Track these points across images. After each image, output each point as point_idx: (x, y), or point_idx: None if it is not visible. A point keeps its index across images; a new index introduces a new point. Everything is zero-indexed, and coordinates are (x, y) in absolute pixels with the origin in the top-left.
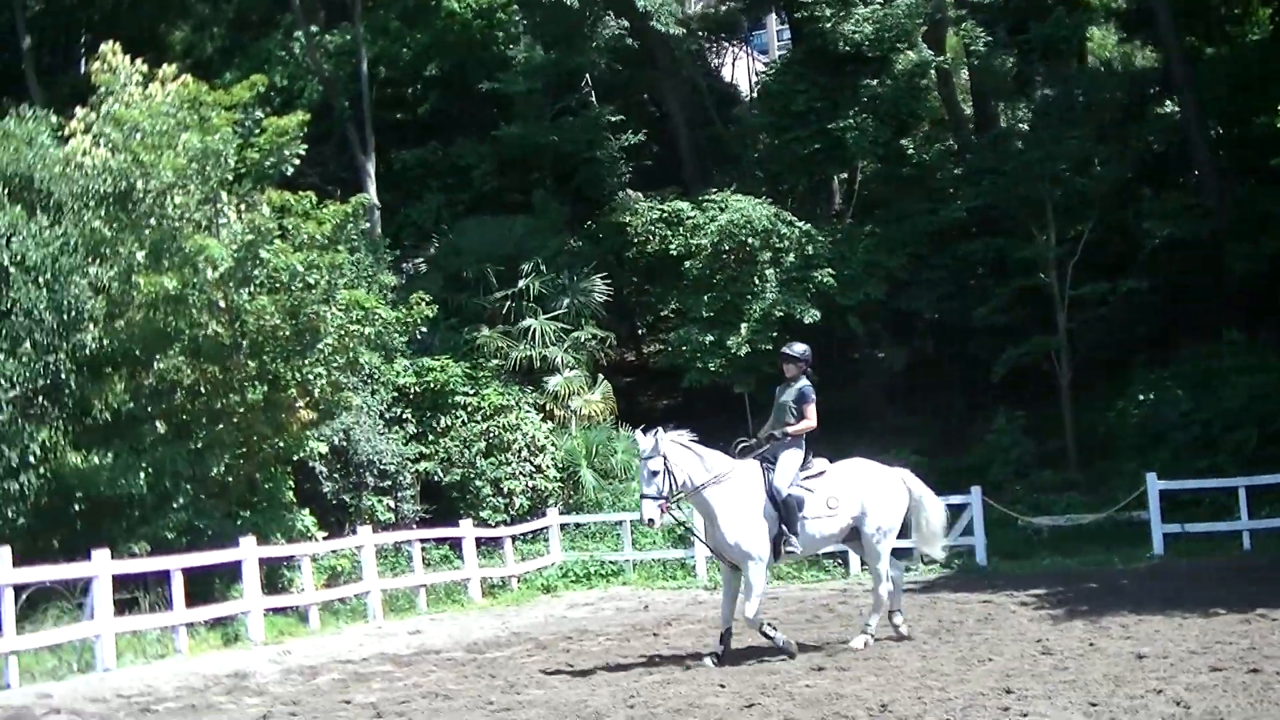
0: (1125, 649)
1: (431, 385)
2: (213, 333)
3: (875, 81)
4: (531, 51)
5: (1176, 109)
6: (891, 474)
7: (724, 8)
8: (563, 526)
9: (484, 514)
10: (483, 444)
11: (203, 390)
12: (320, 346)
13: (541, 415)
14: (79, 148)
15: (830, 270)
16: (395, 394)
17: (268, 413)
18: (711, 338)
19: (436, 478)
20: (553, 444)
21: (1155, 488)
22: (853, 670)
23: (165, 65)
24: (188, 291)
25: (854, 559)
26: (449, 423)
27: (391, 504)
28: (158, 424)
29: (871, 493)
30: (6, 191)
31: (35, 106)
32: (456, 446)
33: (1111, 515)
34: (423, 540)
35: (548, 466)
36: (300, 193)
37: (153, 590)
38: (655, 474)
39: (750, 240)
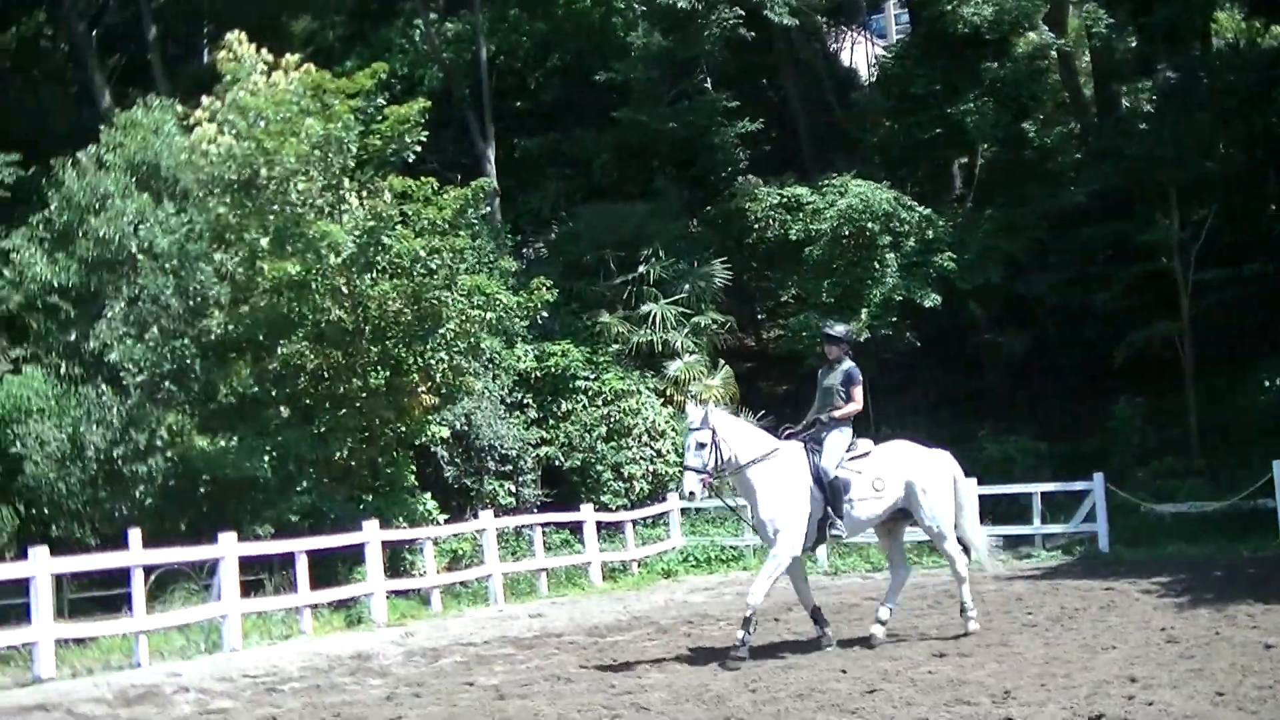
0: (1252, 638)
1: (552, 370)
2: (336, 318)
3: (995, 64)
4: (649, 38)
5: None
6: (935, 455)
7: None
8: (683, 511)
9: (604, 498)
10: (603, 429)
11: (326, 375)
12: (442, 331)
13: (662, 400)
14: (204, 135)
15: (950, 255)
16: (516, 379)
17: (390, 397)
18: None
19: (557, 462)
20: (673, 429)
21: None
22: (975, 656)
23: (288, 54)
24: (311, 277)
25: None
26: (570, 407)
27: (512, 488)
28: (282, 408)
29: (917, 474)
30: (134, 180)
31: (161, 96)
32: (577, 431)
33: (1236, 503)
34: (544, 524)
35: (668, 451)
36: (421, 179)
37: (277, 572)
38: (703, 446)
39: (870, 225)
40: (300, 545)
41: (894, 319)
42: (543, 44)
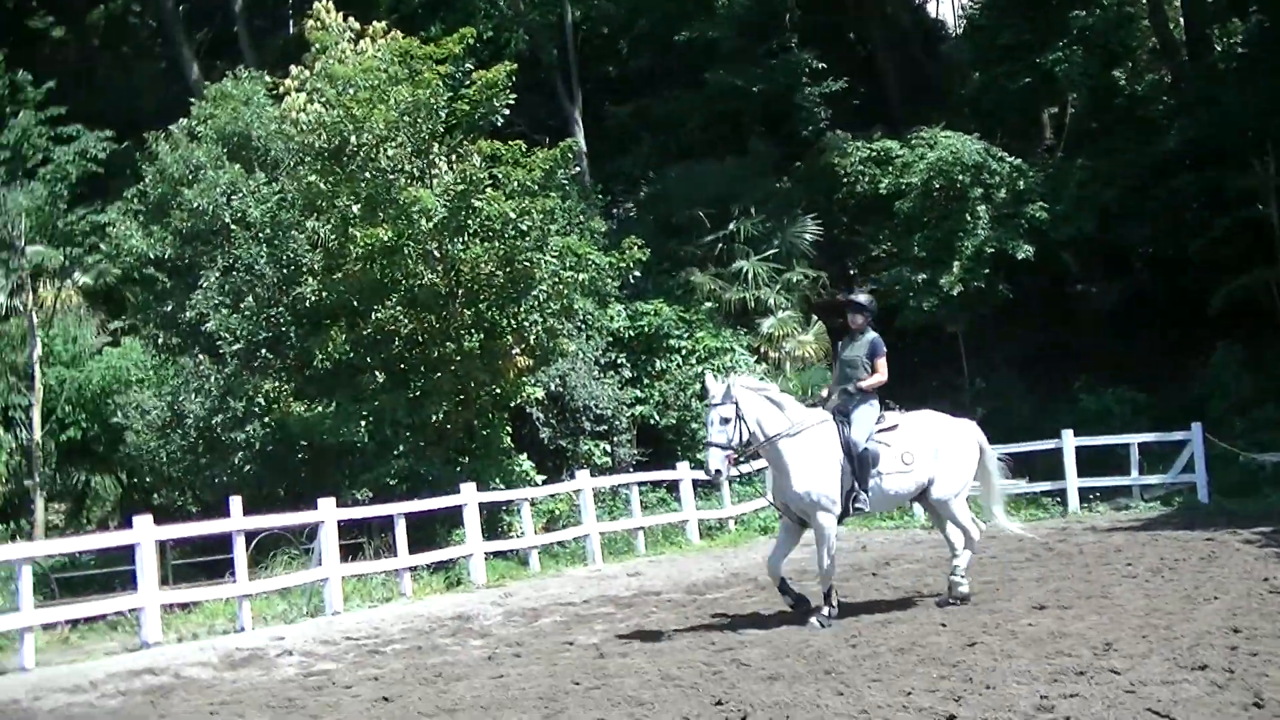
0: None
1: (645, 329)
2: (429, 282)
3: (1084, 12)
4: None
5: None
6: (962, 426)
7: None
8: None
9: (700, 456)
10: (697, 387)
11: (420, 339)
12: (535, 293)
13: (755, 357)
14: (294, 105)
15: (1042, 205)
16: (610, 339)
17: (484, 360)
18: (924, 276)
19: (652, 421)
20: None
21: None
22: (1075, 609)
23: (374, 21)
24: (403, 242)
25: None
26: (664, 366)
27: (608, 448)
28: (377, 373)
29: (945, 447)
30: (226, 151)
31: (249, 68)
32: (671, 390)
33: None
34: (640, 483)
35: None
36: (510, 142)
37: (376, 536)
38: (726, 421)
39: (961, 177)
40: (398, 509)
41: (986, 271)
42: (630, 8)
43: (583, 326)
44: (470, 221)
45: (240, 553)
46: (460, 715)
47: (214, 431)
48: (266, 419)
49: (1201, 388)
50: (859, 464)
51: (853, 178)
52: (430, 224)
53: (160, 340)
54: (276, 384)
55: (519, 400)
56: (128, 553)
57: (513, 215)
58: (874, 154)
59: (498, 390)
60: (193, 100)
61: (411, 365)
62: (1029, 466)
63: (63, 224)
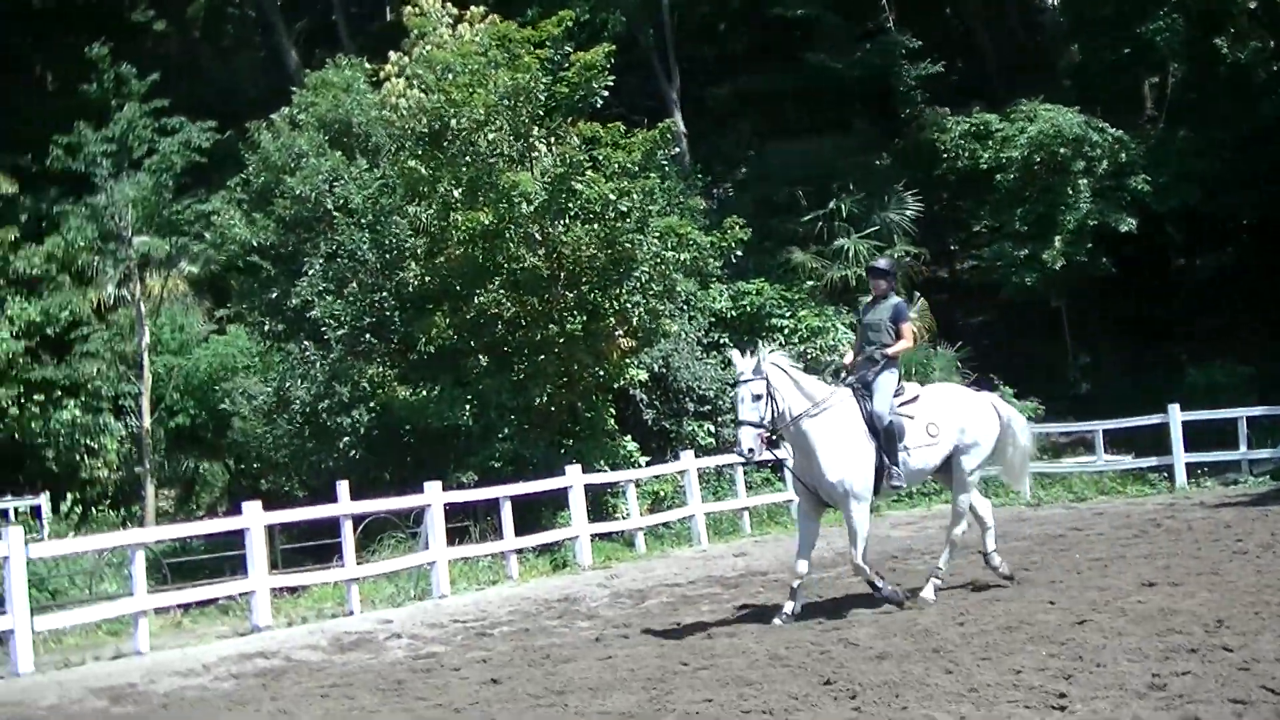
0: None
1: (747, 309)
2: (530, 265)
3: None
4: None
5: None
6: (982, 399)
7: None
8: None
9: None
10: (800, 366)
11: (523, 322)
12: (636, 274)
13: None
14: (394, 90)
15: (1145, 177)
16: (712, 319)
17: (587, 342)
18: (1026, 251)
19: None
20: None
21: None
22: (1186, 585)
23: (472, 6)
24: (504, 226)
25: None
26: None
27: (712, 429)
28: (480, 357)
29: (968, 419)
30: (327, 138)
31: (349, 55)
32: None
33: None
34: (744, 463)
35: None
36: (609, 124)
37: (482, 519)
38: (758, 398)
39: (1061, 150)
40: (504, 491)
41: (1088, 245)
42: None
43: (685, 307)
44: (570, 204)
45: (348, 537)
46: (569, 697)
47: (320, 417)
48: (371, 404)
49: None
50: (885, 438)
51: (952, 153)
52: (531, 207)
53: (265, 327)
54: (381, 369)
55: (622, 382)
56: (236, 538)
57: (612, 197)
58: (973, 128)
59: (601, 372)
60: (293, 89)
61: (515, 348)
62: (1134, 442)
63: (168, 214)
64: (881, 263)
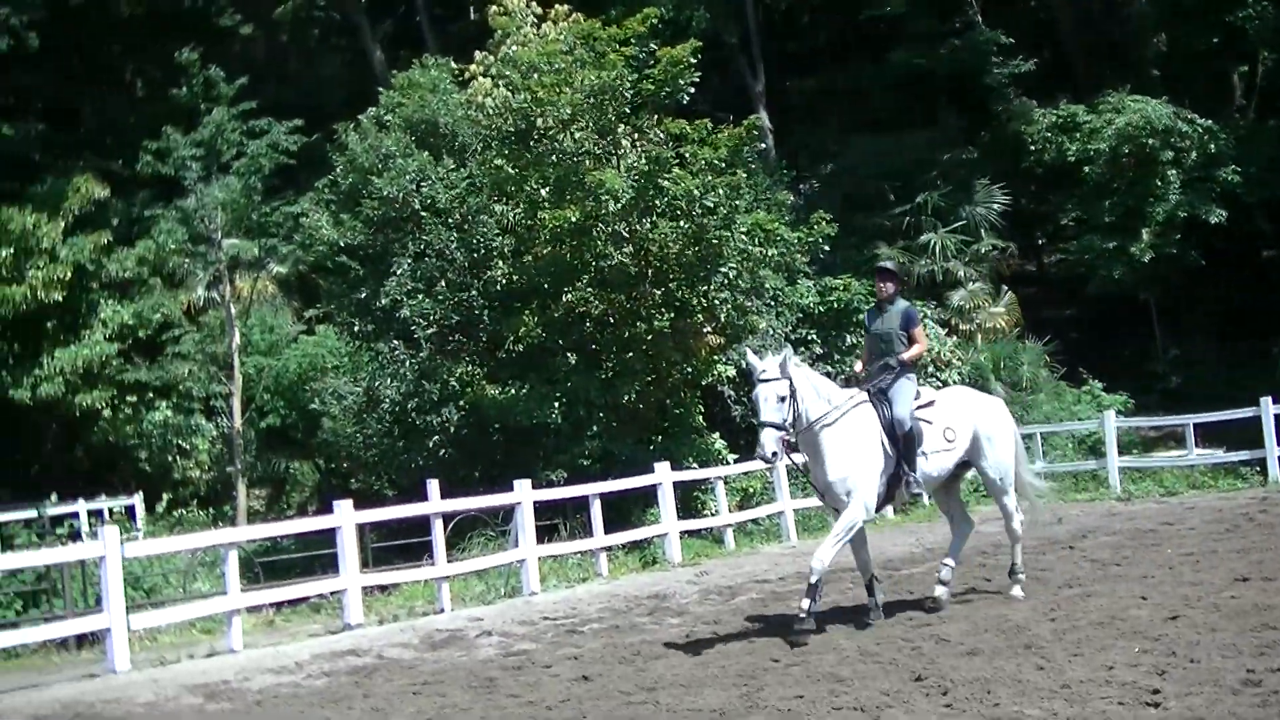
0: None
1: (835, 305)
2: (618, 262)
3: None
4: None
5: None
6: (996, 402)
7: None
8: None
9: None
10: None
11: (611, 320)
12: (724, 270)
13: (946, 330)
14: (479, 90)
15: (1235, 168)
16: (800, 315)
17: (675, 339)
18: (1114, 243)
19: None
20: (958, 359)
21: None
22: (1279, 581)
23: (557, 5)
24: (591, 223)
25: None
26: (854, 341)
27: None
28: (569, 355)
29: (983, 422)
30: (414, 138)
31: (434, 56)
32: None
33: None
34: None
35: (955, 381)
36: (695, 121)
37: (571, 517)
38: (783, 399)
39: (1149, 141)
40: (593, 489)
41: (1178, 237)
42: None
43: (772, 303)
44: (657, 201)
45: (439, 535)
46: (660, 694)
47: (409, 416)
48: (461, 402)
49: None
50: (905, 443)
51: (1039, 145)
52: (618, 205)
53: (355, 327)
54: (469, 368)
55: (710, 379)
56: (327, 537)
57: (698, 193)
58: (1060, 120)
59: (689, 369)
60: (379, 90)
61: (603, 346)
62: (1225, 435)
63: (257, 216)
64: (888, 264)
